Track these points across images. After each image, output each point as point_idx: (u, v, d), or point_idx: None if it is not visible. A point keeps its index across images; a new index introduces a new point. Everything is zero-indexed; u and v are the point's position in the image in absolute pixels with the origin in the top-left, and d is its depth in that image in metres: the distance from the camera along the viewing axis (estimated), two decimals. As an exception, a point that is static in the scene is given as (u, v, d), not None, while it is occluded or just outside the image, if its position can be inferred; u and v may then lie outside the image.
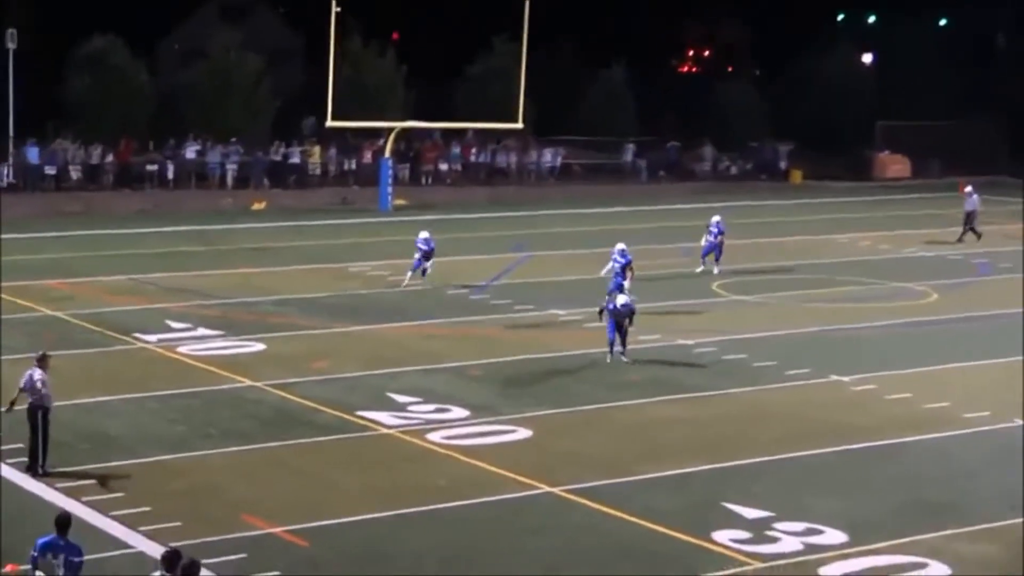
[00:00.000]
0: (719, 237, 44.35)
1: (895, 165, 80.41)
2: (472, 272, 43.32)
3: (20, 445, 23.88)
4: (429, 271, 40.10)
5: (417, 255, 40.03)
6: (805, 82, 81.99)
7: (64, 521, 15.57)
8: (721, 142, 77.45)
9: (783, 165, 78.65)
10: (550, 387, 28.97)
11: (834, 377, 30.44)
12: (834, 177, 76.30)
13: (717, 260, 44.32)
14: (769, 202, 66.75)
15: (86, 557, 17.75)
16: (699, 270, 44.28)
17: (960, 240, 52.80)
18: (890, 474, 23.80)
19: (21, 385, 22.90)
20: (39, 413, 22.74)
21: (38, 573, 15.20)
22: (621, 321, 30.95)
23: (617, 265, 36.65)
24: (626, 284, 31.88)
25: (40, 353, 23.61)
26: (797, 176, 77.37)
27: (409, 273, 39.52)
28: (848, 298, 40.56)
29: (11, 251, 45.76)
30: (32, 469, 22.56)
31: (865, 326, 36.34)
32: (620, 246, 36.99)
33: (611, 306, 31.08)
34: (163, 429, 25.37)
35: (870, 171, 79.49)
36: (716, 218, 44.87)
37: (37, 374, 22.92)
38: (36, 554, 15.30)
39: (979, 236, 52.74)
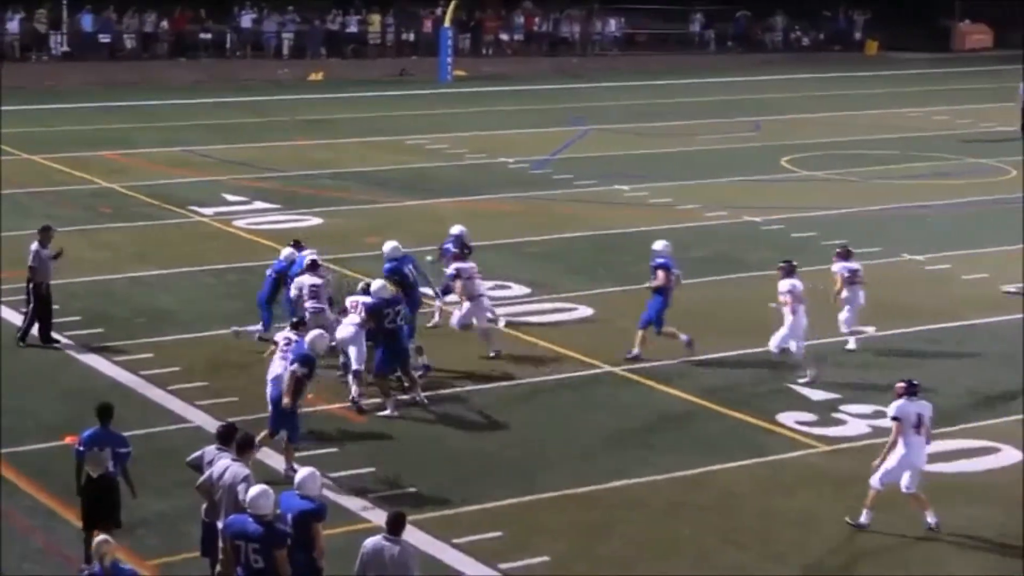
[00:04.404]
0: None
1: (976, 35, 79.03)
2: (533, 145, 43.14)
3: (78, 318, 24.20)
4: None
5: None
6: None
7: (106, 411, 15.50)
8: (793, 11, 76.34)
9: (858, 35, 77.54)
10: (612, 265, 28.92)
11: (906, 256, 30.23)
12: (911, 48, 75.11)
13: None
14: (842, 74, 65.89)
15: (144, 431, 18.15)
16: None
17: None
18: (963, 357, 23.71)
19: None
20: (30, 285, 22.86)
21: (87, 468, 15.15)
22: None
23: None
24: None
25: (42, 226, 23.61)
26: (872, 47, 76.25)
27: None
28: (922, 174, 40.15)
29: (65, 121, 46.05)
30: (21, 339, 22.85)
31: (940, 203, 35.99)
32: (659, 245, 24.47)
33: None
34: (219, 304, 25.58)
35: (949, 42, 78.22)
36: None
37: (33, 246, 22.95)
38: (83, 448, 15.22)
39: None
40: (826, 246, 30.91)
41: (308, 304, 21.55)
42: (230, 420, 16.75)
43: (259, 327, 22.99)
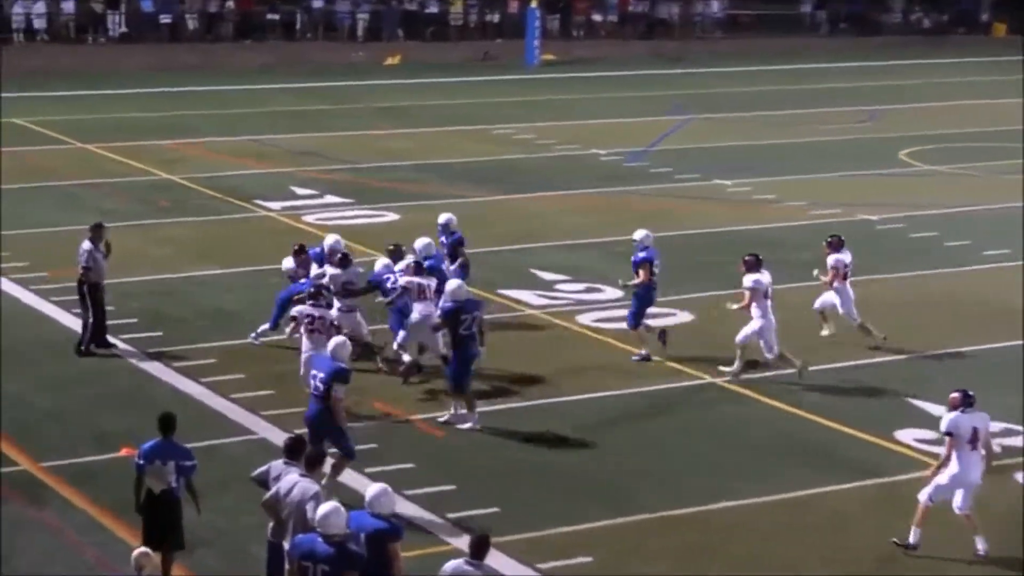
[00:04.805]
0: None
1: (1114, 18, 78.09)
2: (628, 136, 43.05)
3: (135, 320, 24.38)
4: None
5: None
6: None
7: (168, 421, 15.45)
8: (913, -10, 75.96)
9: (984, 17, 76.81)
10: (713, 266, 28.76)
11: (1037, 259, 29.89)
12: (1043, 31, 74.34)
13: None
14: (967, 59, 65.27)
15: (204, 443, 18.22)
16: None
17: None
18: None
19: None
20: (84, 288, 22.93)
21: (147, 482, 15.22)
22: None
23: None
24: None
25: (93, 224, 23.68)
26: (1000, 30, 75.49)
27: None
28: (1056, 169, 39.67)
29: (123, 107, 46.47)
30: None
31: (1075, 202, 35.53)
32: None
33: None
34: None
35: (1085, 25, 77.33)
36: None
37: (85, 245, 23.05)
38: (142, 462, 15.23)
39: None
40: (950, 248, 30.68)
41: (338, 303, 21.94)
42: (298, 432, 16.81)
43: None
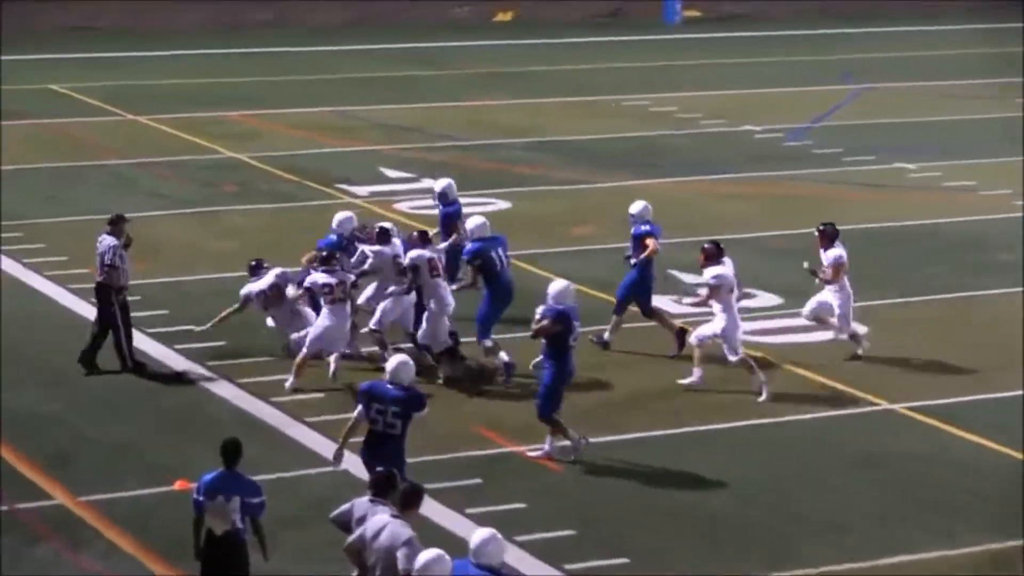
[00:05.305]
0: None
1: None
2: (788, 109, 42.91)
3: (191, 327, 24.57)
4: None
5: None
6: None
7: (233, 449, 15.51)
8: None
9: None
10: (893, 268, 28.59)
11: None
12: None
13: None
14: None
15: (275, 475, 18.34)
16: None
17: None
18: None
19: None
20: (102, 293, 23.05)
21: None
22: None
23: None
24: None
25: (113, 215, 23.73)
26: None
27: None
28: None
29: (181, 73, 46.87)
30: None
31: None
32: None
33: None
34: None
35: None
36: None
37: (109, 242, 23.10)
38: (202, 497, 15.30)
39: None
40: None
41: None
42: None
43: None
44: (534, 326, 20.42)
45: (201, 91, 43.84)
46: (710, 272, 22.65)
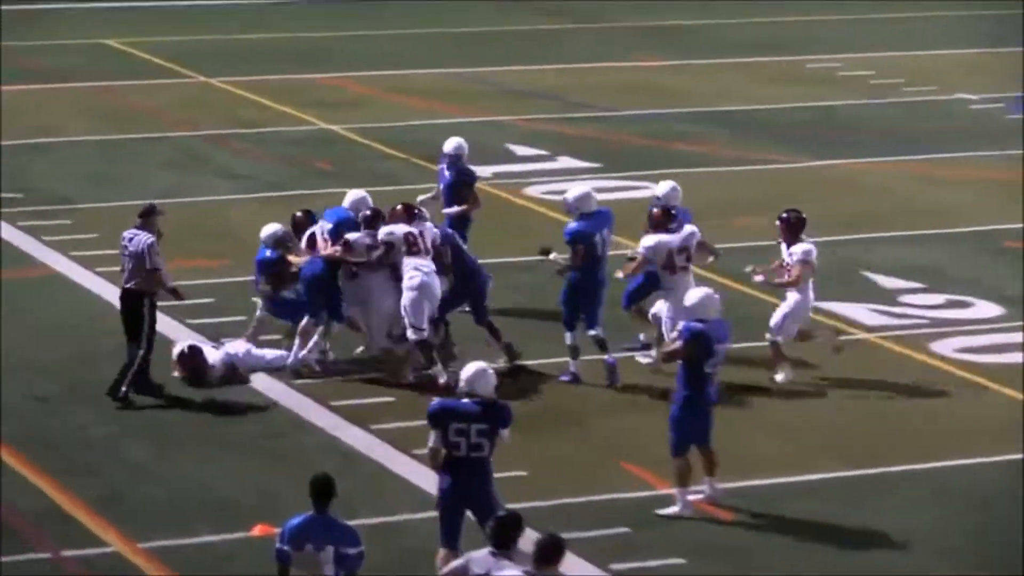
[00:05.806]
0: None
1: None
2: (1012, 74, 42.51)
3: (277, 336, 24.57)
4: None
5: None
6: None
7: (324, 488, 15.42)
8: None
9: None
10: None
11: None
12: None
13: None
14: None
15: (376, 519, 18.30)
16: None
17: None
18: None
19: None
20: (135, 301, 23.00)
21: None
22: None
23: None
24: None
25: (146, 205, 23.73)
26: None
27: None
28: None
29: (264, 26, 47.05)
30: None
31: None
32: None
33: None
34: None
35: None
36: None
37: (144, 238, 23.07)
38: (287, 547, 15.27)
39: None
40: None
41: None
42: (510, 509, 16.60)
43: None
44: (665, 348, 20.48)
45: (289, 48, 44.00)
46: (800, 248, 23.16)
